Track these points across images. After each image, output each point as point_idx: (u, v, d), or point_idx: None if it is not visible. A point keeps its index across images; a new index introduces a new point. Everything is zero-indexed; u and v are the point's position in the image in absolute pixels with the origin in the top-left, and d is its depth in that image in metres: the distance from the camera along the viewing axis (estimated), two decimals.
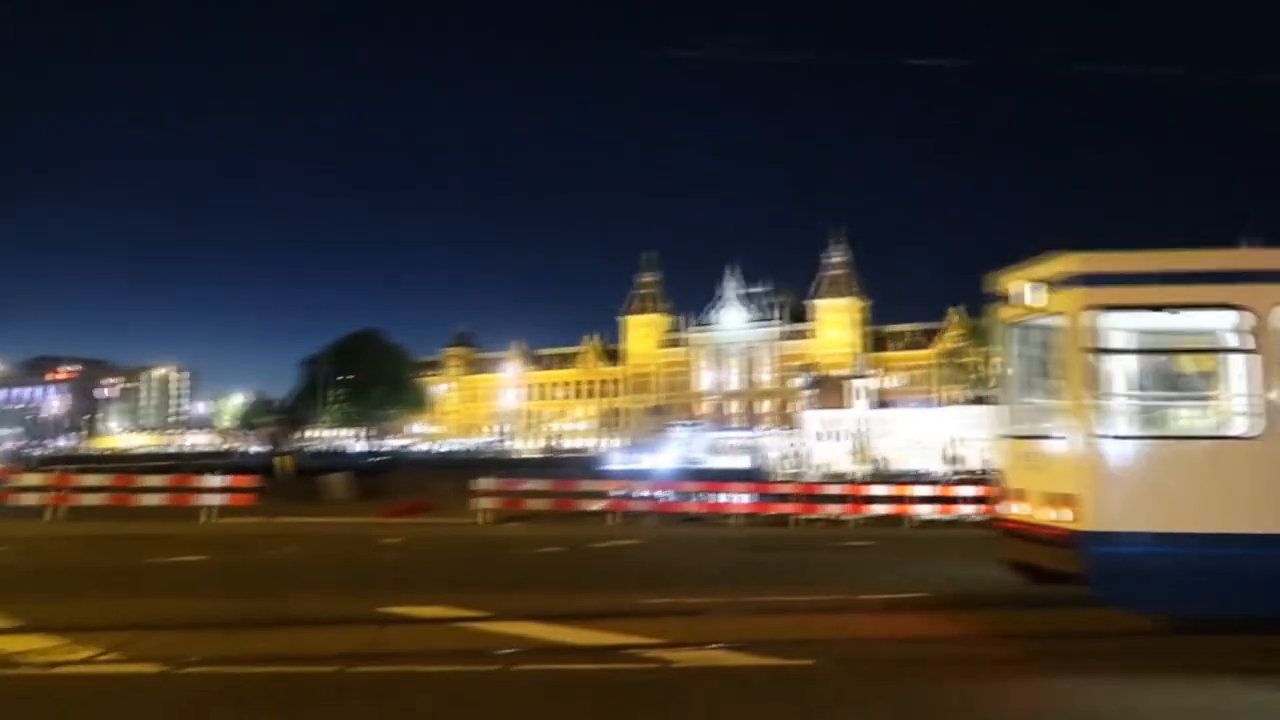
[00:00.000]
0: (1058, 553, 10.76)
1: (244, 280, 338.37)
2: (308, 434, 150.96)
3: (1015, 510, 11.90)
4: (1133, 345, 11.56)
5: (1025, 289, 11.54)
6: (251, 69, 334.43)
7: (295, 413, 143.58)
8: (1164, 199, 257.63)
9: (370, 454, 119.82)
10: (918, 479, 65.67)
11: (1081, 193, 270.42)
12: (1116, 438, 10.61)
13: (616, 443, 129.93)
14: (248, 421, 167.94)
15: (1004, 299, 12.26)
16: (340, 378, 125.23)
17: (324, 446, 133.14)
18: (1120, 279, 10.89)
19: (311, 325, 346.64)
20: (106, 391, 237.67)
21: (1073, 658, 10.87)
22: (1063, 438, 10.97)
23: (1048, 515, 11.01)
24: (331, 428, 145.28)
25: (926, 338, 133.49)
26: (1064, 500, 10.68)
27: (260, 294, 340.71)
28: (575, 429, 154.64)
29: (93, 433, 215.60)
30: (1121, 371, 11.28)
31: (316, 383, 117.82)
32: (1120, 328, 11.15)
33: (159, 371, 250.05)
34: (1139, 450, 10.68)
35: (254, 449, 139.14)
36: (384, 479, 50.27)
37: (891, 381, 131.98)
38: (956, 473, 71.24)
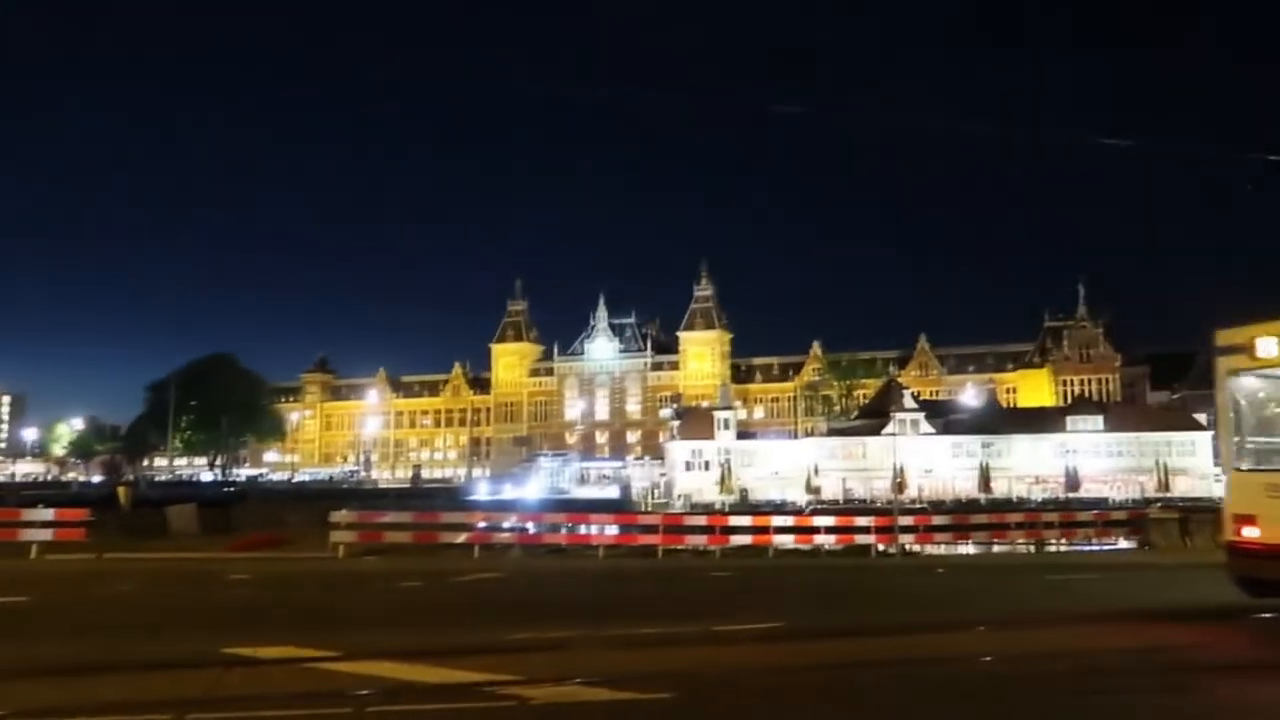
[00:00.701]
0: None
1: (83, 299, 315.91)
2: (153, 463, 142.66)
3: (1246, 533, 13.68)
4: None
5: (1260, 343, 13.64)
6: (87, 78, 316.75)
7: (138, 440, 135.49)
8: (1008, 245, 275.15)
9: (220, 484, 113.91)
10: (778, 509, 67.49)
11: (932, 234, 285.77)
12: None
13: (483, 473, 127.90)
14: (85, 449, 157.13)
15: (1232, 351, 14.27)
16: (191, 403, 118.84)
17: (170, 476, 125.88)
18: None
19: (161, 349, 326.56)
20: None
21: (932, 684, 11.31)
22: None
23: None
24: (180, 456, 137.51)
25: (788, 371, 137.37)
26: None
27: (102, 315, 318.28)
28: (440, 459, 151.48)
29: None
30: None
31: (163, 409, 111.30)
32: None
33: None
34: None
35: (92, 478, 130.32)
36: (233, 511, 47.91)
37: (756, 413, 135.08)
38: (812, 503, 73.49)
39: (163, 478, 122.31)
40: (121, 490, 57.80)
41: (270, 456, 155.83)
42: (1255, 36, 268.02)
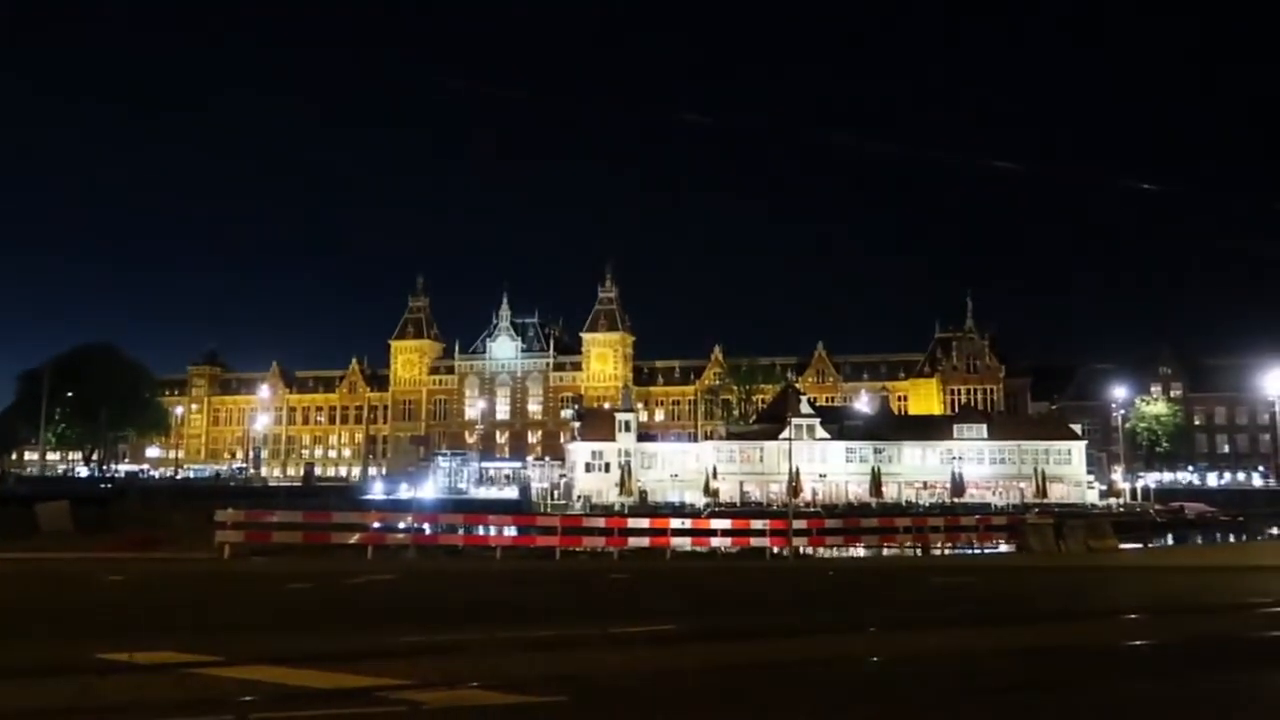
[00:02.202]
0: None
1: None
2: (23, 457, 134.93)
3: None
4: None
5: None
6: None
7: (7, 433, 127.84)
8: (904, 257, 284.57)
9: (97, 480, 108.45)
10: (677, 511, 68.10)
11: (832, 244, 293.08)
12: None
13: (378, 472, 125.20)
14: None
15: None
16: (66, 394, 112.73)
17: (41, 471, 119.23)
18: None
19: (34, 337, 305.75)
20: None
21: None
22: None
23: None
24: (52, 451, 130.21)
25: (689, 374, 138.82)
26: None
27: None
28: (335, 456, 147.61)
29: None
30: None
31: (35, 400, 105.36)
32: None
33: None
34: None
35: None
36: (111, 508, 45.77)
37: (657, 415, 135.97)
38: (710, 505, 74.41)
39: (33, 473, 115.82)
40: None
41: (153, 452, 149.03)
42: (1139, 71, 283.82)
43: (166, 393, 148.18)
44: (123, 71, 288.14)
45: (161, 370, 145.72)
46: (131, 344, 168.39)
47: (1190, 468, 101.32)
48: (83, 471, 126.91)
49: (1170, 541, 58.02)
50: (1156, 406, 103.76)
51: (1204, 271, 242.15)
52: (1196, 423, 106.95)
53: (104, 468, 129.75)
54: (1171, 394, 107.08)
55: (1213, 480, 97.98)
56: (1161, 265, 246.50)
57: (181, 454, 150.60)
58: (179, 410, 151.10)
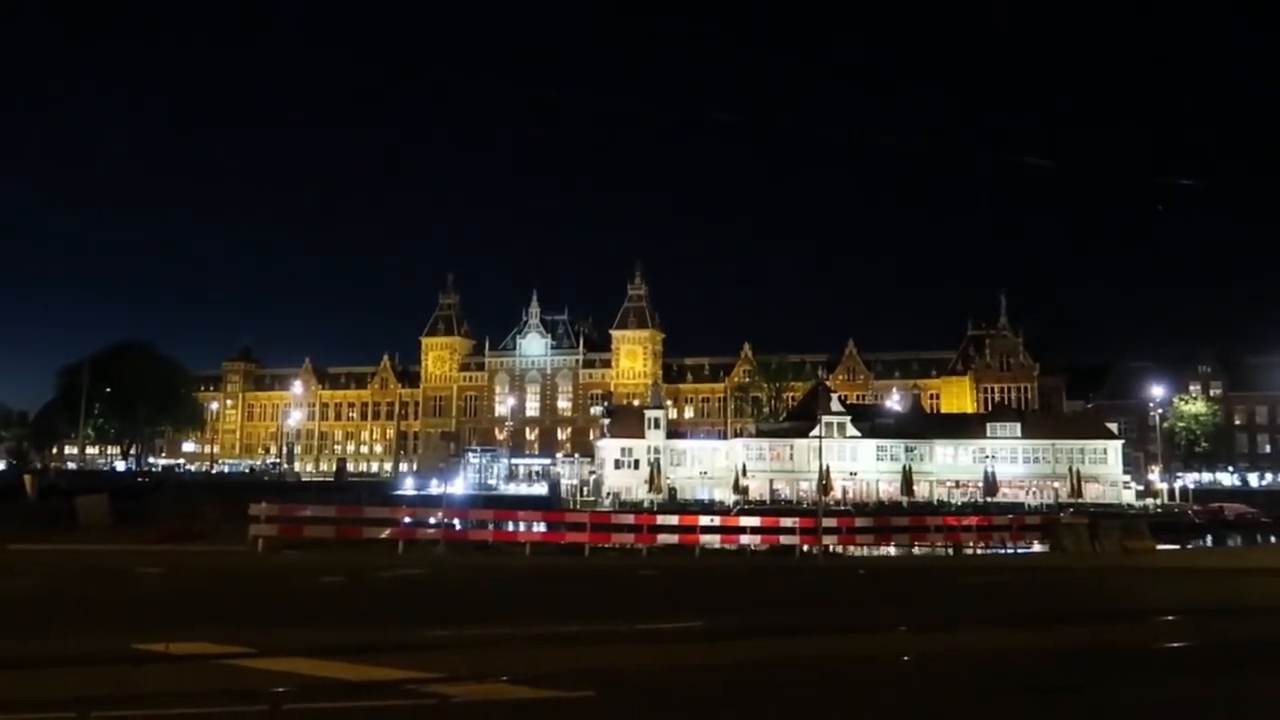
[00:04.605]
0: None
1: None
2: (63, 451, 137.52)
3: None
4: None
5: None
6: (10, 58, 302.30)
7: (47, 427, 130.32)
8: (937, 254, 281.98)
9: (134, 474, 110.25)
10: (706, 509, 68.00)
11: (864, 241, 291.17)
12: None
13: (409, 468, 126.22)
14: None
15: None
16: (105, 390, 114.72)
17: (81, 465, 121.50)
18: None
19: (74, 335, 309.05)
20: None
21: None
22: None
23: None
24: (91, 445, 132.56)
25: (719, 371, 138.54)
26: None
27: (9, 297, 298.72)
28: (366, 452, 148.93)
29: None
30: None
31: (75, 395, 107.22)
32: None
33: None
34: None
35: None
36: (148, 502, 46.52)
37: (686, 413, 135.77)
38: (739, 503, 74.19)
39: (73, 466, 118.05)
40: (28, 479, 55.64)
41: (188, 447, 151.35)
42: (1175, 64, 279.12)
43: (202, 389, 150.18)
44: (152, 73, 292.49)
45: (197, 366, 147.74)
46: (167, 341, 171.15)
47: (1230, 468, 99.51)
48: (121, 466, 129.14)
49: (1209, 543, 57.03)
50: (1195, 405, 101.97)
51: (1244, 268, 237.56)
52: (1237, 422, 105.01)
53: (141, 462, 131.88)
54: (1211, 393, 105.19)
55: (1254, 481, 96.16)
56: (1199, 262, 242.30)
57: (216, 449, 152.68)
58: (214, 406, 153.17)
